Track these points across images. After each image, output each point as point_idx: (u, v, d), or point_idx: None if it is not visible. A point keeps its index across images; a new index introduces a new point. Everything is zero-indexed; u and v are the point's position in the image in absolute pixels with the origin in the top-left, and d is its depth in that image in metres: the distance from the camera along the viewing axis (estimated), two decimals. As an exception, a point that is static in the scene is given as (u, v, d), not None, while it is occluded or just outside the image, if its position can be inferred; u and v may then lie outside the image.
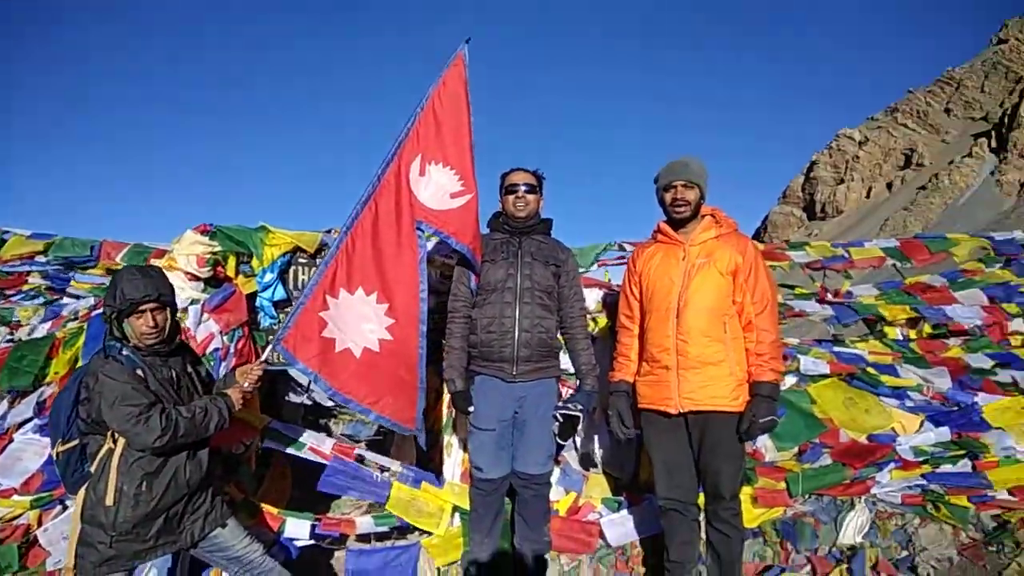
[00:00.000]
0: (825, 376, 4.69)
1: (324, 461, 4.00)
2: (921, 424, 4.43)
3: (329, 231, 4.77)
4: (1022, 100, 71.38)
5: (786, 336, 5.21)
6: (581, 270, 4.89)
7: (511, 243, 3.76)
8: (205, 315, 4.23)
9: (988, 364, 4.81)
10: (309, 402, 5.34)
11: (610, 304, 4.75)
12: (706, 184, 3.57)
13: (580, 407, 3.61)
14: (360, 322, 3.58)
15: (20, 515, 3.78)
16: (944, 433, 4.30)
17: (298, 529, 3.89)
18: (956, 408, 4.53)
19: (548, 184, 3.93)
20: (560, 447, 4.00)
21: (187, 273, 4.29)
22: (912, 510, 4.10)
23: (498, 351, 3.62)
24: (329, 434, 5.51)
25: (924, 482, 4.17)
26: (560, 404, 3.67)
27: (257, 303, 4.46)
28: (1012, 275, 5.34)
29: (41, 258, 5.86)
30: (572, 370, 4.16)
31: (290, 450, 4.03)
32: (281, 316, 4.53)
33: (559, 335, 3.85)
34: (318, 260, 4.67)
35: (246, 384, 3.16)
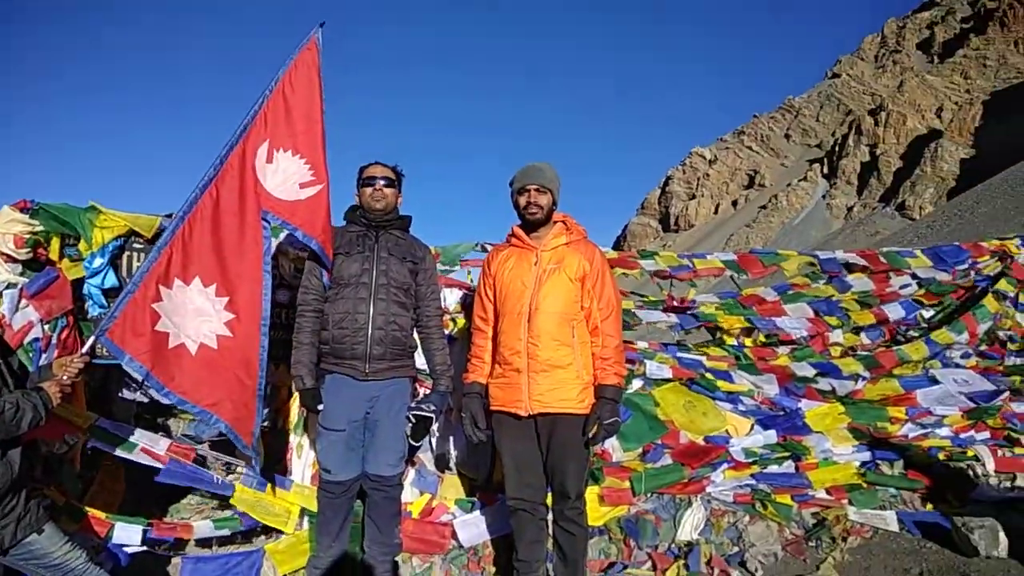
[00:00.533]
0: (668, 380, 4.97)
1: (158, 464, 3.71)
2: (751, 427, 4.79)
3: (170, 215, 4.44)
4: (850, 132, 79.43)
5: (635, 340, 5.49)
6: (443, 269, 4.88)
7: (367, 236, 3.68)
8: (23, 301, 3.80)
9: (811, 373, 5.32)
10: (145, 399, 4.93)
11: (469, 305, 4.77)
12: (558, 190, 3.67)
13: (433, 408, 3.59)
14: (197, 316, 3.36)
15: None
16: (771, 436, 4.67)
17: (128, 535, 3.59)
18: (782, 413, 4.95)
19: (408, 184, 3.88)
20: (413, 448, 3.96)
21: (2, 254, 3.84)
22: (742, 508, 4.40)
23: (350, 348, 3.52)
24: (168, 434, 5.14)
25: (753, 482, 4.50)
26: (413, 405, 3.63)
27: (85, 290, 4.08)
28: (834, 290, 5.93)
29: None
30: (428, 370, 4.15)
31: (119, 451, 3.72)
32: (112, 304, 4.17)
33: (414, 334, 3.80)
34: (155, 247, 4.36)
35: (64, 377, 2.88)
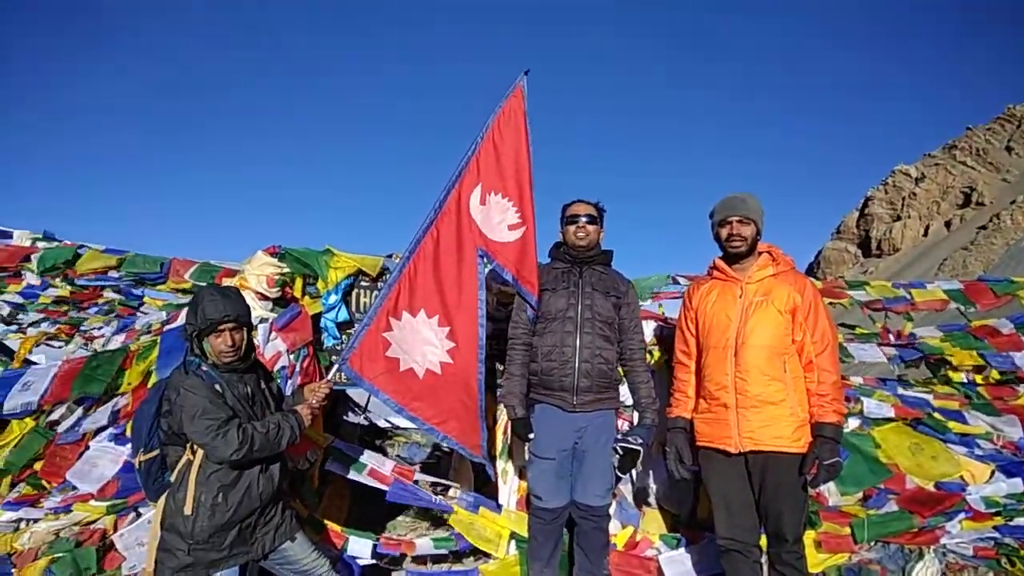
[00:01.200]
0: (889, 420, 4.59)
1: (383, 486, 4.06)
2: (992, 474, 4.29)
3: (390, 255, 4.91)
4: (1087, 138, 68.52)
5: (848, 375, 5.13)
6: (638, 303, 4.91)
7: (572, 273, 3.80)
8: (273, 334, 4.36)
9: (1061, 415, 4.64)
10: (365, 423, 5.45)
11: (664, 337, 4.75)
12: (762, 221, 3.57)
13: (640, 441, 3.60)
14: (423, 344, 3.67)
15: (97, 520, 3.94)
16: (1017, 484, 4.16)
17: (360, 547, 3.95)
18: (1029, 459, 4.37)
19: (608, 218, 3.97)
20: (618, 479, 3.98)
21: (257, 293, 4.44)
22: (985, 563, 3.95)
23: (558, 380, 3.64)
24: (385, 455, 5.59)
25: (997, 535, 4.02)
26: (620, 437, 3.66)
27: (321, 324, 4.60)
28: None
29: (114, 273, 6.16)
30: (629, 403, 4.17)
31: (351, 473, 4.11)
32: (344, 337, 4.66)
33: (618, 367, 3.85)
34: (379, 284, 4.81)
35: (314, 401, 3.26)
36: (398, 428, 6.89)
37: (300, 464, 4.19)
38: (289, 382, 4.30)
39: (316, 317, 4.56)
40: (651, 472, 4.55)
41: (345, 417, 5.55)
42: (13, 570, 3.71)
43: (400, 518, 5.32)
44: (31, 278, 6.36)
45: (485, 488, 4.61)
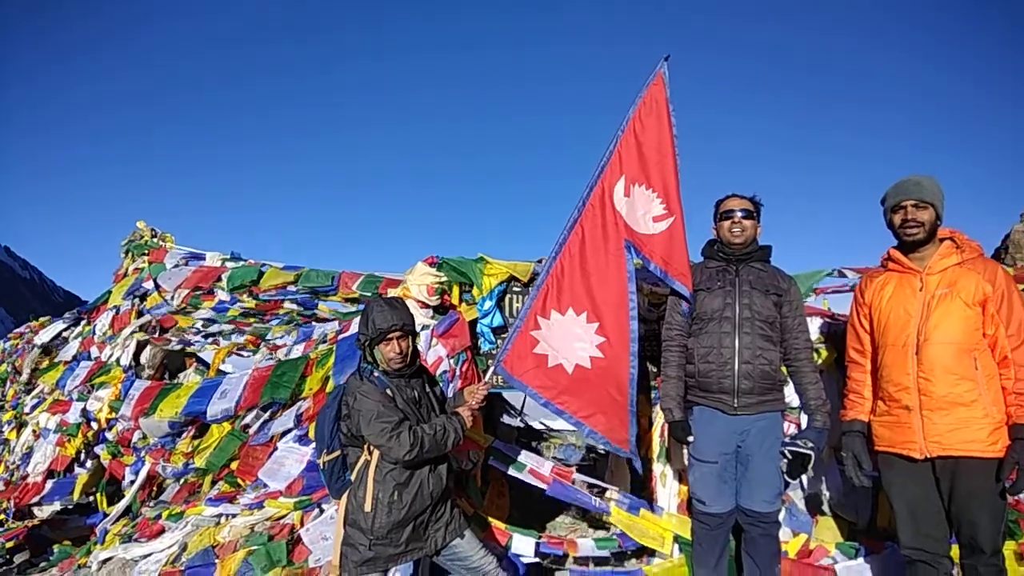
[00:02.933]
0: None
1: (543, 485, 4.13)
2: None
3: (540, 261, 5.01)
4: None
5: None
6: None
7: (728, 271, 3.67)
8: (434, 340, 4.60)
9: None
10: (522, 424, 5.59)
11: (832, 334, 4.48)
12: (942, 205, 3.26)
13: (811, 445, 3.41)
14: (572, 340, 3.67)
15: (286, 515, 4.33)
16: None
17: (524, 545, 4.05)
18: None
19: (765, 212, 3.79)
20: (787, 485, 3.80)
21: (419, 301, 4.70)
22: None
23: (717, 382, 3.54)
24: (541, 456, 5.70)
25: None
26: (788, 440, 3.49)
27: (478, 329, 4.78)
28: None
29: (292, 287, 6.76)
30: (795, 404, 3.98)
31: (512, 471, 4.23)
32: (499, 341, 4.82)
33: (782, 367, 3.67)
34: (531, 289, 4.92)
35: (473, 402, 3.39)
36: (553, 430, 6.98)
37: (464, 464, 4.37)
38: (450, 385, 4.51)
39: (473, 323, 4.74)
40: (824, 478, 4.31)
41: (502, 419, 5.72)
42: (216, 560, 4.16)
43: (559, 519, 5.39)
44: (222, 295, 7.14)
45: (642, 493, 4.57)
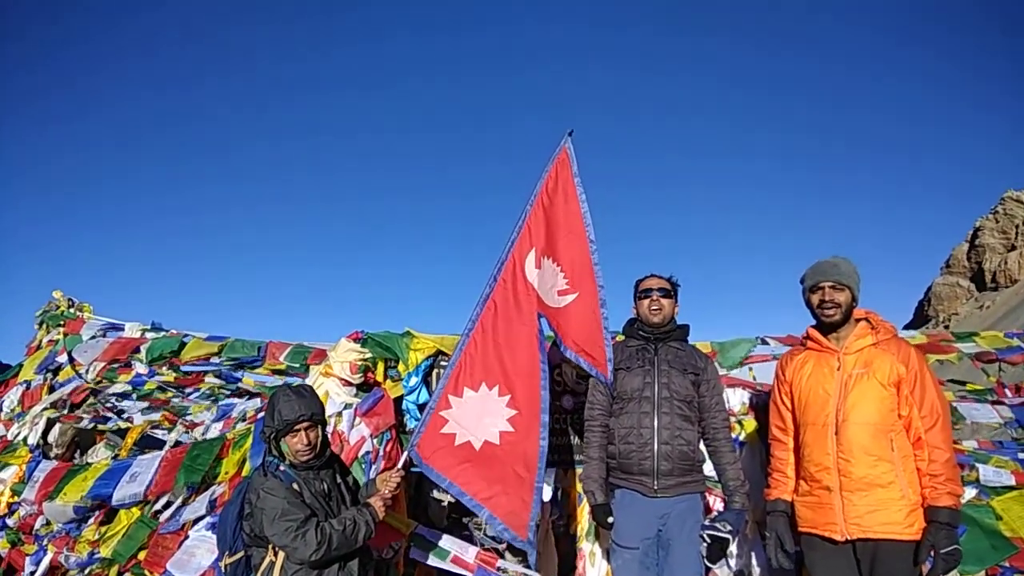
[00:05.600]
0: (1010, 488, 4.15)
1: (467, 573, 3.98)
2: None
3: (469, 333, 4.96)
4: None
5: (961, 439, 4.71)
6: (722, 372, 4.70)
7: (647, 350, 3.69)
8: (357, 419, 4.45)
9: None
10: (451, 500, 5.42)
11: (757, 406, 4.52)
12: (858, 286, 3.38)
13: (729, 528, 3.39)
14: (482, 417, 3.59)
15: (194, 612, 4.04)
16: None
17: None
18: None
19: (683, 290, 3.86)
20: (708, 569, 3.75)
21: (341, 379, 4.56)
22: None
23: (637, 463, 3.51)
24: (471, 539, 5.52)
25: None
26: (707, 523, 3.47)
27: (403, 406, 4.65)
28: None
29: (216, 359, 6.51)
30: (716, 478, 3.97)
31: (433, 560, 4.06)
32: (426, 418, 4.71)
33: (702, 447, 3.67)
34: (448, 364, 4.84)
35: (386, 491, 3.27)
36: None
37: (385, 553, 4.19)
38: (373, 467, 4.35)
39: (398, 400, 4.62)
40: (753, 554, 4.27)
41: (432, 495, 5.54)
42: None
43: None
44: (140, 367, 6.82)
45: (572, 573, 4.45)
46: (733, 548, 3.88)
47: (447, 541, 4.17)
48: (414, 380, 4.65)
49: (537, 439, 3.54)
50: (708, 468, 3.87)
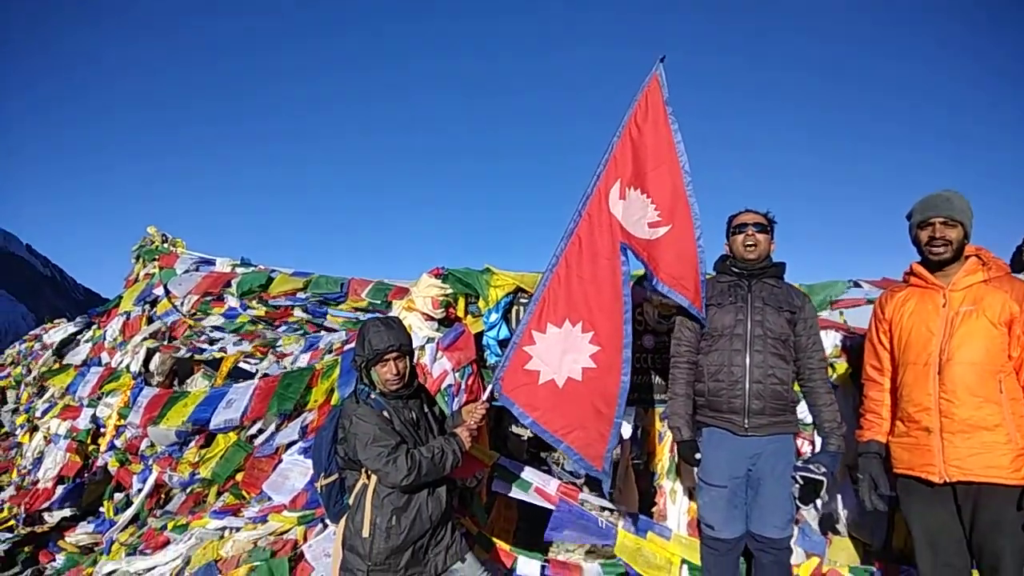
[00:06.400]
0: None
1: (550, 505, 4.03)
2: None
3: (547, 271, 4.92)
4: None
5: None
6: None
7: (740, 287, 3.55)
8: (439, 353, 4.52)
9: None
10: (531, 434, 5.50)
11: (849, 348, 4.35)
12: (970, 222, 3.15)
13: (824, 470, 3.29)
14: (565, 353, 3.57)
15: (289, 530, 4.27)
16: None
17: (529, 568, 3.96)
18: None
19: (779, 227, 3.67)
20: (798, 508, 3.68)
21: (424, 314, 4.62)
22: None
23: (727, 401, 3.42)
24: (550, 473, 5.60)
25: None
26: (800, 464, 3.37)
27: (484, 342, 4.69)
28: None
29: (301, 294, 6.72)
30: (807, 420, 3.86)
31: (516, 492, 4.13)
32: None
33: (795, 387, 3.55)
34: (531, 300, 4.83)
35: (471, 422, 3.32)
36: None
37: (468, 482, 4.30)
38: (455, 399, 4.43)
39: (479, 335, 4.66)
40: (839, 497, 4.17)
41: (511, 429, 5.64)
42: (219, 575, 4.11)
43: (567, 531, 5.29)
44: (232, 301, 7.12)
45: (652, 509, 4.46)
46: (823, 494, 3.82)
47: (529, 473, 4.23)
48: (494, 316, 4.67)
49: (619, 375, 3.52)
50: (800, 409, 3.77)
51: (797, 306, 3.49)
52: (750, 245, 3.53)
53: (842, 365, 4.35)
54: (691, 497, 4.27)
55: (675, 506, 4.36)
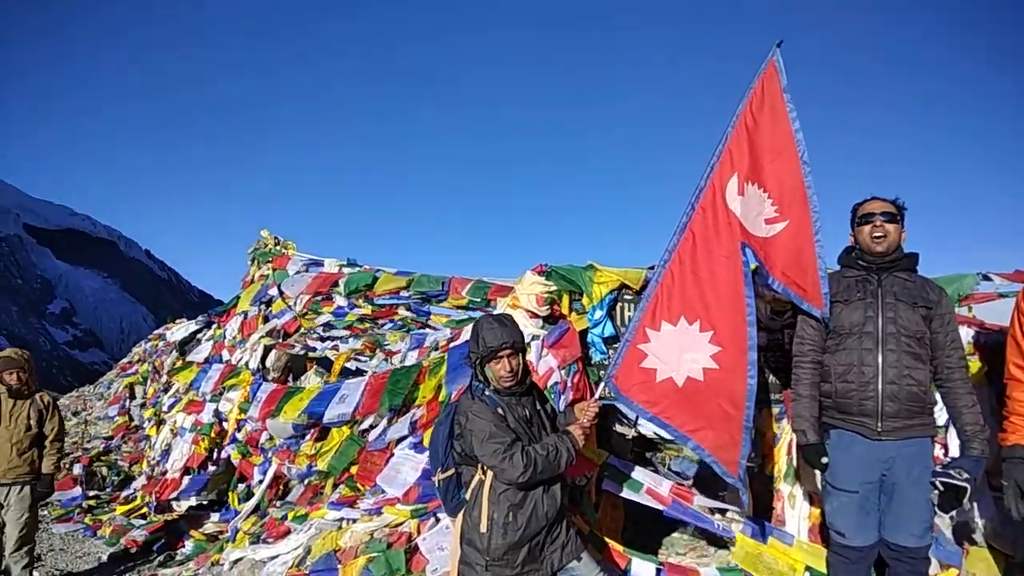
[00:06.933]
0: None
1: (662, 507, 3.96)
2: None
3: (652, 268, 4.82)
4: None
5: None
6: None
7: (868, 281, 3.35)
8: (544, 350, 4.52)
9: None
10: (636, 434, 5.42)
11: (983, 345, 4.03)
12: None
13: (967, 476, 3.05)
14: (683, 352, 3.46)
15: (403, 523, 4.39)
16: None
17: (644, 570, 3.88)
18: None
19: (910, 215, 3.44)
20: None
21: (528, 311, 4.63)
22: None
23: (858, 403, 3.24)
24: (656, 470, 5.50)
25: None
26: (940, 470, 3.15)
27: (588, 339, 4.66)
28: None
29: (404, 292, 6.89)
30: (940, 422, 3.61)
31: (627, 492, 4.08)
32: (610, 352, 4.68)
33: (932, 387, 3.32)
34: (641, 298, 4.75)
35: (585, 420, 3.27)
36: (667, 440, 6.74)
37: (578, 480, 4.27)
38: (561, 397, 4.41)
39: (583, 333, 4.63)
40: (976, 504, 3.88)
41: (615, 428, 5.57)
42: (338, 565, 4.27)
43: (677, 535, 5.18)
44: (340, 300, 7.40)
45: (768, 514, 4.29)
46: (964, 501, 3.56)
47: (640, 473, 4.17)
48: (599, 313, 4.63)
49: (745, 377, 3.39)
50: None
51: (933, 301, 3.26)
52: (879, 236, 3.32)
53: (975, 363, 4.04)
54: (812, 502, 4.08)
55: (794, 511, 4.18)
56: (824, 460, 3.31)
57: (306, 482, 5.95)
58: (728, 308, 3.47)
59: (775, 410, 4.43)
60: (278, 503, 6.02)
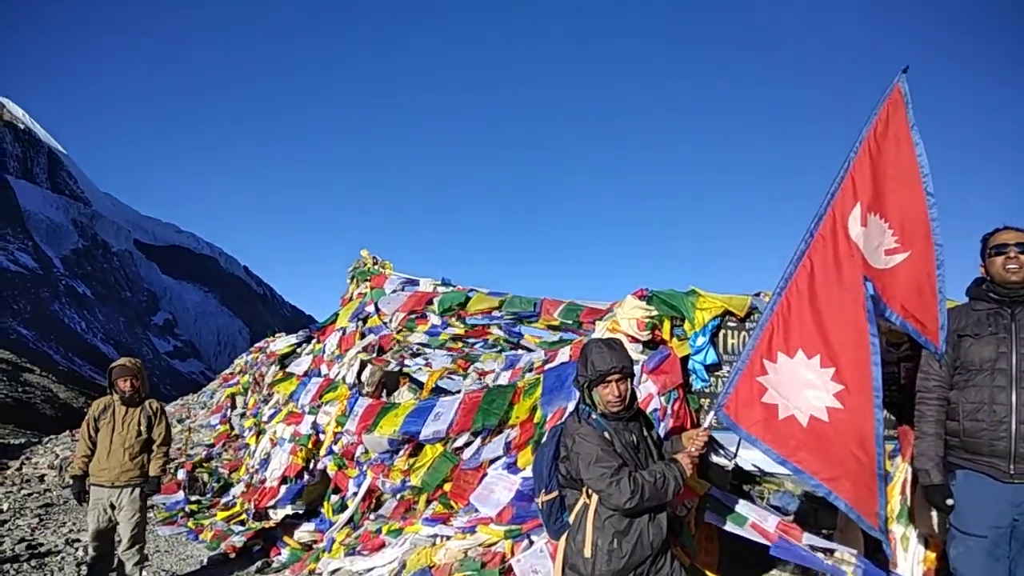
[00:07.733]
0: None
1: (767, 542, 3.81)
2: None
3: (758, 294, 4.69)
4: None
5: None
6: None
7: (1001, 315, 3.17)
8: (644, 376, 4.46)
9: None
10: (732, 466, 5.26)
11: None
12: None
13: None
14: (803, 388, 3.33)
15: (497, 542, 4.41)
16: None
17: (746, 607, 3.76)
18: None
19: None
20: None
21: (628, 335, 4.59)
22: None
23: (988, 444, 3.05)
24: (754, 502, 5.32)
25: None
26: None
27: (689, 366, 4.57)
28: None
29: (496, 312, 6.96)
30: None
31: (730, 526, 3.95)
32: (712, 379, 4.57)
33: None
34: (747, 324, 4.61)
35: (693, 449, 3.20)
36: (767, 473, 6.51)
37: (678, 511, 4.18)
38: (661, 424, 4.33)
39: (684, 359, 4.55)
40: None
41: (712, 459, 5.43)
42: None
43: (775, 572, 4.99)
44: (434, 318, 7.54)
45: (877, 556, 4.06)
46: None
47: (744, 507, 4.04)
48: (701, 340, 4.54)
49: (872, 419, 3.24)
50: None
51: None
52: (1013, 267, 3.14)
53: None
54: (927, 545, 3.86)
55: (907, 554, 3.94)
56: (949, 502, 3.13)
57: (399, 496, 6.06)
58: (851, 346, 3.33)
59: (888, 447, 4.21)
60: (371, 516, 6.16)
